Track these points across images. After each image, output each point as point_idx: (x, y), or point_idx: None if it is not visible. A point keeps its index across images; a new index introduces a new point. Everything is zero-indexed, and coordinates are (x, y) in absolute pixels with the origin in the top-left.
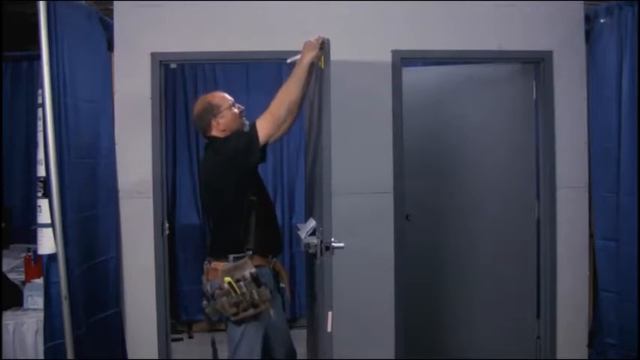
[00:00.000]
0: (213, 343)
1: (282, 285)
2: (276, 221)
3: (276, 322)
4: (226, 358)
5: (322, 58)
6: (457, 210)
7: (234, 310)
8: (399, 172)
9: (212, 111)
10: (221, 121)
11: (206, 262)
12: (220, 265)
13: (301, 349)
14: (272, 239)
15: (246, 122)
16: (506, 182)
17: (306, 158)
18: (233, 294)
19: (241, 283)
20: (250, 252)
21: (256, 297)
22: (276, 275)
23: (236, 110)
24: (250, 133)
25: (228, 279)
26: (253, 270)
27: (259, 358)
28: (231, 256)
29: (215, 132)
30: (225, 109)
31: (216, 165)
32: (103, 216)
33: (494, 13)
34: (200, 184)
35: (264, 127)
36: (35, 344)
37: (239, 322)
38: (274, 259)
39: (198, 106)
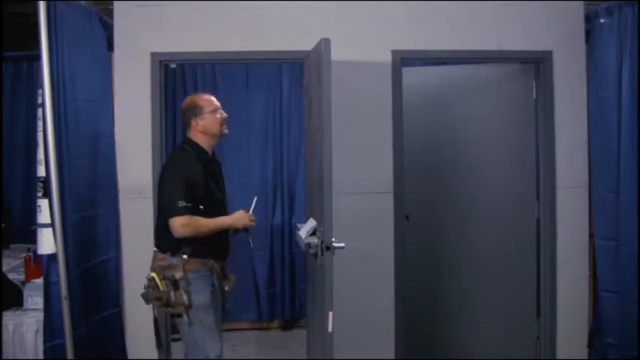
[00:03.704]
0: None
1: (226, 288)
2: (224, 230)
3: (209, 320)
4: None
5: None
6: (457, 210)
7: (157, 302)
8: (399, 172)
9: (194, 110)
10: (200, 122)
11: (154, 251)
12: (159, 257)
13: (301, 349)
14: (216, 246)
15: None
16: (506, 182)
17: (306, 158)
18: (157, 288)
19: (165, 281)
20: (185, 256)
21: (172, 299)
22: (220, 279)
23: (218, 116)
24: (171, 216)
25: (153, 274)
26: (180, 274)
27: (215, 357)
28: (168, 253)
29: (193, 132)
30: (207, 112)
31: (165, 175)
32: (103, 216)
33: (494, 13)
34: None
35: (178, 228)
36: (35, 344)
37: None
38: (219, 263)
39: (184, 104)
